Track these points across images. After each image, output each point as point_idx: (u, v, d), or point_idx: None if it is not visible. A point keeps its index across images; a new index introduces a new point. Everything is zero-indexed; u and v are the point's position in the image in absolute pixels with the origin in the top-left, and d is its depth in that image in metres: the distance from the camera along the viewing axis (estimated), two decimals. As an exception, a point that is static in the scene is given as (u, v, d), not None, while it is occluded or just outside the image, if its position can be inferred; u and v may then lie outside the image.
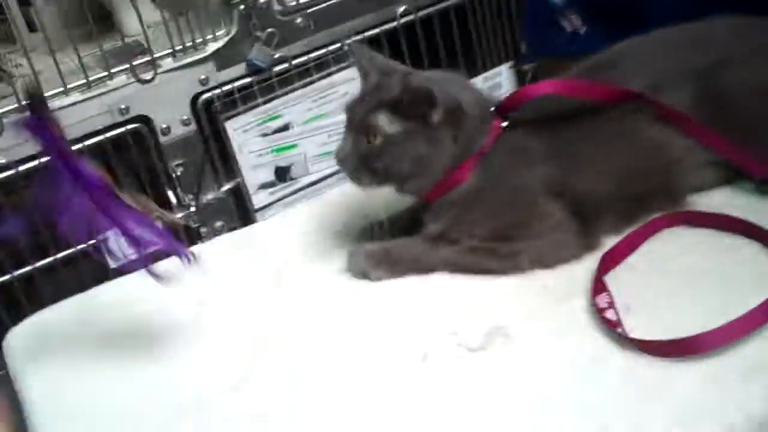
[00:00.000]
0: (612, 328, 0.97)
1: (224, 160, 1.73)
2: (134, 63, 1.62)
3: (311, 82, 1.73)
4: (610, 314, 0.98)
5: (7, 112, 1.53)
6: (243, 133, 1.70)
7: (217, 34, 1.66)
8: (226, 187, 1.74)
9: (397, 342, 1.06)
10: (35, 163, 1.55)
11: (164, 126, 1.66)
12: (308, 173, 1.77)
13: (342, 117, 1.70)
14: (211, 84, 1.67)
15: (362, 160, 1.13)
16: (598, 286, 1.02)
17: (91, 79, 1.60)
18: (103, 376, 1.12)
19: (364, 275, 1.18)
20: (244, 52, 1.67)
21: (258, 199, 1.75)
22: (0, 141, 1.54)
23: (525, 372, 0.97)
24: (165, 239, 1.12)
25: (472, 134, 1.12)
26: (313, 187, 1.78)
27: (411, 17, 1.75)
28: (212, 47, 1.65)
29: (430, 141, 1.11)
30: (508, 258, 1.10)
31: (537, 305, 1.06)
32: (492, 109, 1.15)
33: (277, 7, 1.67)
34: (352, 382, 1.02)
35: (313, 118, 1.75)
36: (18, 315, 1.35)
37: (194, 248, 1.38)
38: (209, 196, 1.73)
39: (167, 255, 1.13)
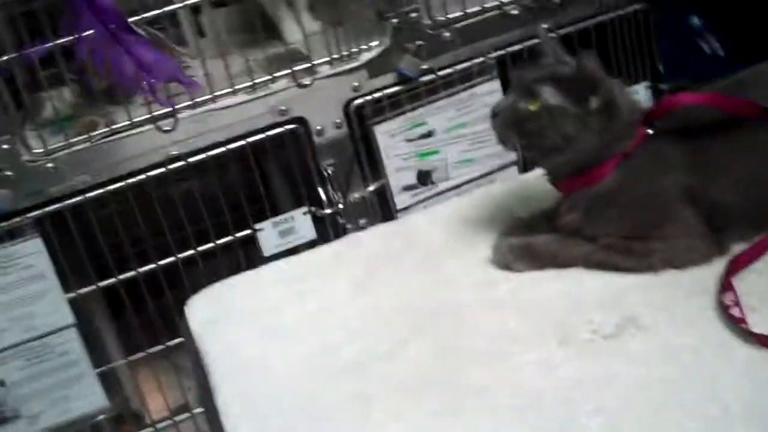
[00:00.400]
0: (736, 323, 1.05)
1: (371, 162, 1.86)
2: (294, 69, 1.76)
3: (455, 93, 1.84)
4: (735, 311, 1.05)
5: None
6: (390, 137, 1.83)
7: (370, 45, 1.79)
8: (372, 187, 1.87)
9: (535, 326, 1.15)
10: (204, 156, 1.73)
11: (319, 128, 1.80)
12: (448, 178, 1.89)
13: (482, 127, 1.85)
14: (363, 91, 1.80)
15: (514, 118, 1.21)
16: (725, 286, 1.10)
17: (256, 81, 1.76)
18: (271, 339, 1.25)
19: (506, 266, 1.28)
20: (394, 63, 1.80)
21: (400, 200, 1.87)
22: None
23: (652, 356, 1.04)
24: (173, 69, 1.25)
25: (619, 134, 1.19)
26: (453, 191, 1.90)
27: (552, 35, 1.84)
28: (365, 57, 1.79)
29: (581, 124, 1.18)
30: (642, 257, 1.18)
31: (666, 299, 1.13)
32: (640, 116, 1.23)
33: (426, 21, 1.80)
34: (494, 360, 1.12)
35: (456, 126, 1.86)
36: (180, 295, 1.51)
37: (351, 236, 1.52)
38: (356, 195, 1.87)
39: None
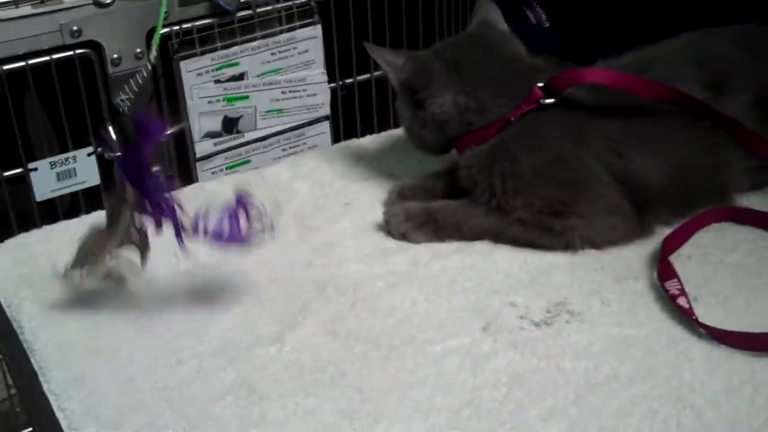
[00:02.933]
0: (686, 316, 0.98)
1: (171, 102, 1.62)
2: (95, -18, 1.48)
3: (273, 34, 1.65)
4: (682, 301, 0.99)
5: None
6: (197, 76, 1.61)
7: (186, -35, 1.55)
8: (171, 130, 1.63)
9: (449, 308, 1.03)
10: None
11: (115, 56, 1.54)
12: (255, 128, 1.69)
13: (297, 75, 1.68)
14: (172, 19, 1.56)
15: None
16: (666, 271, 1.03)
17: (46, -8, 1.46)
18: (112, 314, 1.04)
19: (402, 236, 1.13)
20: (211, -9, 1.57)
21: (201, 147, 1.66)
22: None
23: (597, 349, 0.95)
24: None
25: (490, 99, 1.14)
26: (257, 143, 1.70)
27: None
28: (179, -21, 1.55)
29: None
30: (561, 234, 1.09)
31: (595, 283, 1.05)
32: (540, 85, 1.13)
33: (251, -54, 1.59)
34: (407, 347, 0.97)
35: (269, 71, 1.67)
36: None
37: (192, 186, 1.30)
38: (149, 139, 1.62)
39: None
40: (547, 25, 1.74)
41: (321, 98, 1.73)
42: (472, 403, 0.90)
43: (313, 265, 1.11)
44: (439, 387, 0.92)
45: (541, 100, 1.13)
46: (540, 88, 1.13)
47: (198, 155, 1.66)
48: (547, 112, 1.13)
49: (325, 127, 1.76)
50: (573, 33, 1.72)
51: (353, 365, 0.96)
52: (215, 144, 1.67)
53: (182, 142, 1.65)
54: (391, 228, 1.14)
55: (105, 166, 1.59)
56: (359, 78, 1.77)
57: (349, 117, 1.78)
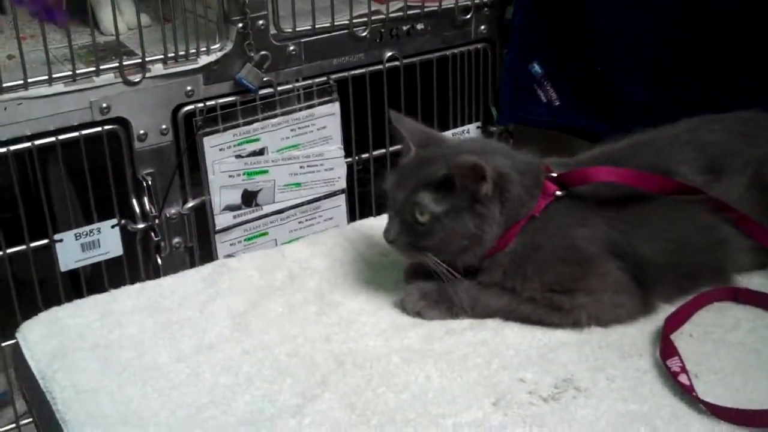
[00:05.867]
0: (688, 393, 1.02)
1: (194, 177, 1.69)
2: (124, 63, 1.56)
3: (293, 111, 1.72)
4: (683, 378, 1.03)
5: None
6: (219, 151, 1.67)
7: (211, 47, 1.63)
8: (192, 203, 1.70)
9: (462, 382, 1.07)
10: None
11: (142, 132, 1.61)
12: (274, 201, 1.75)
13: (315, 150, 1.75)
14: (196, 97, 1.64)
15: (412, 239, 1.14)
16: (668, 349, 1.08)
17: (78, 72, 1.53)
18: (140, 383, 1.08)
19: (417, 313, 1.18)
20: (234, 71, 1.65)
21: (221, 220, 1.71)
22: None
23: (603, 425, 0.99)
24: None
25: (519, 201, 1.15)
26: (275, 216, 1.77)
27: (396, 63, 1.78)
28: (204, 60, 1.63)
29: (478, 215, 1.13)
30: (568, 312, 1.14)
31: (601, 359, 1.09)
32: (554, 175, 1.18)
33: (273, 31, 1.66)
34: (422, 420, 1.01)
35: (288, 147, 1.74)
36: None
37: (219, 262, 1.36)
38: (172, 210, 1.68)
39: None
40: (558, 104, 1.80)
41: (338, 172, 1.80)
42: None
43: (332, 340, 1.15)
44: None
45: (556, 193, 1.17)
46: (552, 181, 1.18)
47: (218, 227, 1.72)
48: (560, 202, 1.17)
49: (341, 200, 1.82)
50: (582, 110, 1.78)
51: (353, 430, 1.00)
52: (234, 216, 1.73)
53: (203, 214, 1.71)
54: (406, 306, 1.19)
55: (128, 238, 1.65)
56: (375, 153, 1.84)
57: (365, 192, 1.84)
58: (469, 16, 1.83)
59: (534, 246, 1.15)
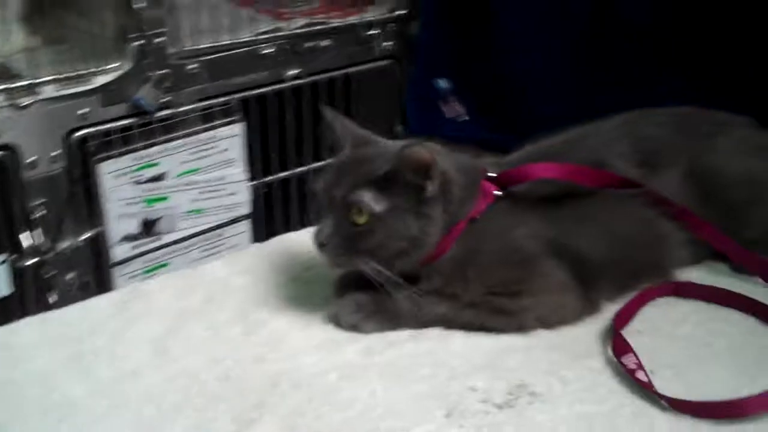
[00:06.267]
0: (648, 390, 0.98)
1: (89, 206, 1.57)
2: (12, 85, 1.45)
3: (194, 133, 1.63)
4: (641, 375, 0.99)
5: None
6: (115, 178, 1.57)
7: (106, 67, 1.53)
8: (86, 235, 1.58)
9: (410, 395, 1.00)
10: None
11: (31, 159, 1.49)
12: (174, 230, 1.66)
13: (216, 174, 1.66)
14: (91, 120, 1.53)
15: (346, 242, 1.06)
16: (621, 346, 1.03)
17: (-39, 94, 1.41)
18: (54, 420, 0.97)
19: (352, 327, 1.10)
20: (131, 92, 1.55)
21: (118, 251, 1.60)
22: None
23: (563, 428, 0.95)
24: None
25: (459, 202, 1.10)
26: (176, 245, 1.67)
27: (300, 81, 1.73)
28: (100, 80, 1.53)
29: (422, 216, 1.07)
30: (513, 316, 1.09)
31: (552, 362, 1.04)
32: (493, 175, 1.14)
33: (172, 49, 1.58)
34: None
35: (188, 171, 1.65)
36: None
37: (133, 286, 1.25)
38: (65, 244, 1.56)
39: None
40: (466, 118, 1.77)
41: (240, 197, 1.72)
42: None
43: (264, 360, 1.06)
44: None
45: (495, 193, 1.13)
46: (492, 181, 1.13)
47: (114, 260, 1.60)
48: (499, 203, 1.13)
49: (245, 226, 1.74)
50: (491, 124, 1.76)
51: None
52: (133, 248, 1.62)
53: (98, 246, 1.60)
54: (341, 319, 1.11)
55: (18, 275, 1.52)
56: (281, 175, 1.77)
57: (270, 215, 1.77)
58: (373, 32, 1.79)
59: (474, 249, 1.10)
